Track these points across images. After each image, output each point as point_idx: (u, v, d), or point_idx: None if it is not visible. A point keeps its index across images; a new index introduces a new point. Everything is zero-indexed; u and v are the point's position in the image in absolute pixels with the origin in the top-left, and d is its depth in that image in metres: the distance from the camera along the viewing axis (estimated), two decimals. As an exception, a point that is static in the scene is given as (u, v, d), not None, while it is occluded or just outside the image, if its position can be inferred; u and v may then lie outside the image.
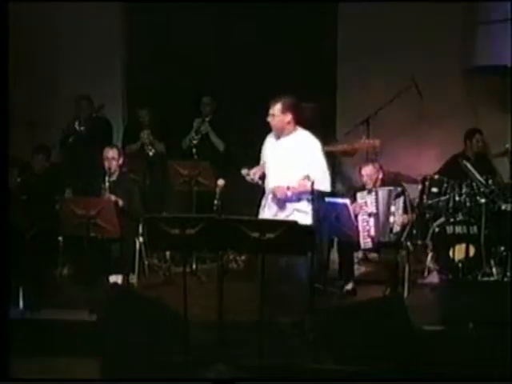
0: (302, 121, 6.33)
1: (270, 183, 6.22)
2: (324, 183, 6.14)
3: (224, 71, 9.01)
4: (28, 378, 5.27)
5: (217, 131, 8.45)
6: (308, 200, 6.07)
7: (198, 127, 8.52)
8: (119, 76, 9.46)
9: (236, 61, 9.02)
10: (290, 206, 6.13)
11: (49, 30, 9.15)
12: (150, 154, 8.55)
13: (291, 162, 6.11)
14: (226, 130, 8.46)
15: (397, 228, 7.05)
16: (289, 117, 6.14)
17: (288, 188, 6.08)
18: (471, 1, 8.58)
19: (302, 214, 6.06)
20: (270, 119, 6.16)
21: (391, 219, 7.04)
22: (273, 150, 6.25)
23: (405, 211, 7.10)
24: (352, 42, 9.00)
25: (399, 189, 7.20)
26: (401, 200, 7.09)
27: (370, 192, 7.13)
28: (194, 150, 8.27)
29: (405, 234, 7.11)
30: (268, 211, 6.22)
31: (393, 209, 7.05)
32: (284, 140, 6.20)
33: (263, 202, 6.32)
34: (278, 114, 6.11)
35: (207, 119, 8.57)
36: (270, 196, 6.23)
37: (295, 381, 5.34)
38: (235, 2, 8.74)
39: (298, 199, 6.13)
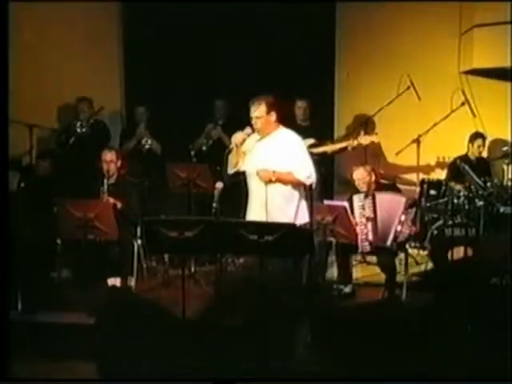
0: (284, 118, 6.31)
1: (254, 184, 6.20)
2: (305, 175, 6.13)
3: (222, 71, 9.00)
4: (28, 379, 5.28)
5: (230, 135, 8.39)
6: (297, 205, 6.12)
7: (209, 132, 8.51)
8: (119, 77, 9.46)
9: (235, 60, 9.01)
10: (276, 210, 6.11)
11: (48, 30, 9.15)
12: (146, 146, 8.51)
13: (277, 160, 6.10)
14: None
15: (402, 238, 6.97)
16: (273, 116, 6.12)
17: (274, 172, 6.06)
18: (471, 1, 8.58)
19: (286, 218, 6.06)
20: (254, 122, 6.08)
21: (399, 228, 6.91)
22: (256, 151, 6.19)
23: (413, 223, 7.04)
24: (350, 44, 9.01)
25: (412, 200, 7.14)
26: (413, 211, 7.02)
27: (366, 196, 7.09)
28: (192, 153, 8.26)
29: (406, 244, 7.07)
30: (254, 214, 6.20)
31: (403, 218, 6.92)
32: (268, 140, 6.17)
33: (249, 205, 6.30)
34: (263, 115, 6.06)
35: (220, 123, 8.56)
36: (256, 199, 6.21)
37: (294, 381, 5.35)
38: (235, 2, 8.74)
39: (285, 200, 6.14)
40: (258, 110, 6.05)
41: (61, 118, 8.97)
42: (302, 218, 6.20)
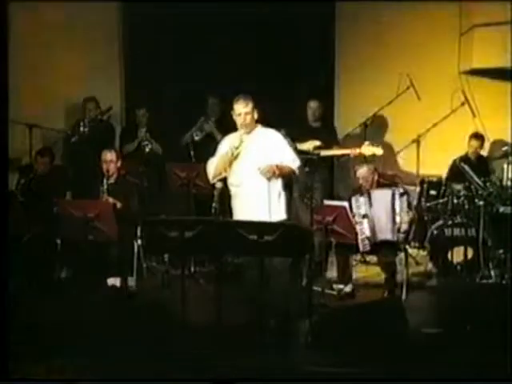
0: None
1: (245, 180, 6.18)
2: (296, 164, 6.23)
3: (222, 71, 9.00)
4: (28, 379, 5.28)
5: (222, 132, 8.40)
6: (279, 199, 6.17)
7: (201, 125, 8.51)
8: (118, 77, 9.46)
9: (234, 61, 9.01)
10: (263, 208, 6.12)
11: (48, 30, 9.15)
12: (147, 149, 8.53)
13: (263, 157, 6.11)
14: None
15: (404, 227, 7.05)
16: (256, 113, 6.19)
17: (277, 166, 6.08)
18: (471, 1, 8.58)
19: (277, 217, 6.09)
20: (241, 118, 6.13)
21: (397, 219, 7.02)
22: (243, 151, 6.19)
23: (409, 209, 7.11)
24: (350, 44, 9.01)
25: (401, 189, 7.21)
26: (404, 199, 7.10)
27: (362, 194, 7.14)
28: (192, 153, 8.25)
29: (412, 232, 7.12)
30: (240, 214, 6.18)
31: (398, 209, 7.04)
32: (251, 137, 6.18)
33: (234, 202, 6.29)
34: (250, 111, 6.13)
35: (213, 119, 8.57)
36: (244, 197, 6.19)
37: (294, 381, 5.35)
38: (235, 2, 8.73)
39: (275, 199, 6.16)
40: (248, 106, 6.12)
41: (61, 118, 8.97)
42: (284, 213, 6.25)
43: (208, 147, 8.03)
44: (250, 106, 6.13)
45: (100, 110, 8.66)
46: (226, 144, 6.24)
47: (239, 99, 6.14)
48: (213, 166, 6.23)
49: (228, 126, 8.00)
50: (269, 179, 6.07)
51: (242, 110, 6.12)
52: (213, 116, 8.66)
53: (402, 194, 7.12)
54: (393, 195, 7.09)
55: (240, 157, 6.14)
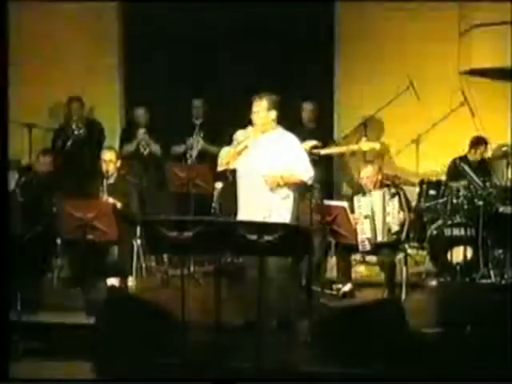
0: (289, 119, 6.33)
1: (247, 183, 6.15)
2: (308, 175, 6.12)
3: (220, 71, 9.00)
4: (28, 379, 5.28)
5: (211, 140, 8.39)
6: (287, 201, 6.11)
7: (191, 145, 8.50)
8: (117, 77, 9.47)
9: (233, 61, 9.01)
10: (269, 208, 6.08)
11: (48, 30, 9.15)
12: (145, 152, 8.54)
13: (273, 159, 6.05)
14: (219, 133, 8.24)
15: (395, 228, 7.04)
16: (273, 114, 6.11)
17: (281, 177, 6.01)
18: (470, 1, 8.58)
19: (281, 218, 6.05)
20: (253, 117, 6.08)
21: (388, 219, 7.02)
22: (252, 150, 6.13)
23: (401, 210, 7.09)
24: (350, 43, 9.01)
25: (393, 189, 7.20)
26: (395, 200, 7.07)
27: (364, 194, 7.15)
28: (191, 152, 8.25)
29: (404, 233, 7.11)
30: (244, 211, 6.15)
31: (388, 209, 7.04)
32: (266, 137, 6.12)
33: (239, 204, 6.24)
34: (263, 110, 6.06)
35: (201, 136, 8.56)
36: (248, 194, 6.15)
37: (294, 381, 5.35)
38: (235, 1, 8.73)
39: (280, 200, 6.12)
40: (258, 105, 6.05)
41: (61, 118, 8.97)
42: (292, 217, 6.20)
43: (206, 155, 8.10)
44: (263, 105, 6.04)
45: (84, 108, 8.68)
46: (239, 136, 6.21)
47: (255, 98, 6.08)
48: (224, 155, 6.20)
49: (214, 131, 7.98)
50: (271, 189, 6.04)
51: (254, 108, 6.07)
52: (198, 118, 8.65)
53: (393, 195, 7.10)
54: (383, 196, 7.08)
55: (249, 153, 6.09)
